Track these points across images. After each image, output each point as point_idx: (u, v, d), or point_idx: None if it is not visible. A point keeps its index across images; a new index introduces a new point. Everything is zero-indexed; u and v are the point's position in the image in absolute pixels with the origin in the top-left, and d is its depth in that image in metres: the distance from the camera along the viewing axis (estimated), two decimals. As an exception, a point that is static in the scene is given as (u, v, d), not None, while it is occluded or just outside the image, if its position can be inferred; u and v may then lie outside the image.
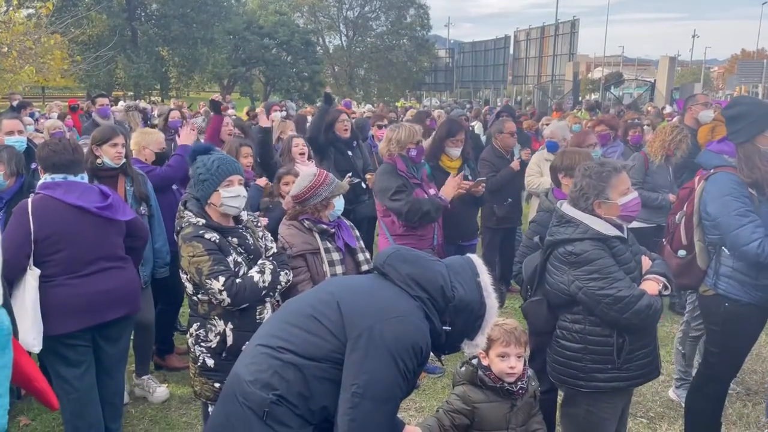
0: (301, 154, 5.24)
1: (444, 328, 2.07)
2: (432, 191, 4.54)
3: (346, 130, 5.95)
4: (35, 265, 3.21)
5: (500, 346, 2.73)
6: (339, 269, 3.31)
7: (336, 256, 3.32)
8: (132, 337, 4.28)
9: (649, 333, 2.95)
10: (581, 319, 2.89)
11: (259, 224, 3.21)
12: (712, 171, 3.36)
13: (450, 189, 4.52)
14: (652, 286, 2.86)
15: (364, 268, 3.42)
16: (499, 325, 2.73)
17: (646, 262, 3.00)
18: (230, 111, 13.48)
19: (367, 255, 3.51)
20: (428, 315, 2.04)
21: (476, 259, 2.21)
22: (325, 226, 3.32)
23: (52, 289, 3.25)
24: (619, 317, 2.77)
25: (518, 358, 2.75)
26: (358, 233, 3.58)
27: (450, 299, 2.06)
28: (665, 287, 2.88)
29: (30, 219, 3.18)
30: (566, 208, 2.96)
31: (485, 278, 2.13)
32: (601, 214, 2.86)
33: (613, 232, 2.85)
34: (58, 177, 3.33)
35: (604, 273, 2.77)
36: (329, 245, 3.32)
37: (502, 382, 2.75)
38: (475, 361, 2.85)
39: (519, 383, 2.77)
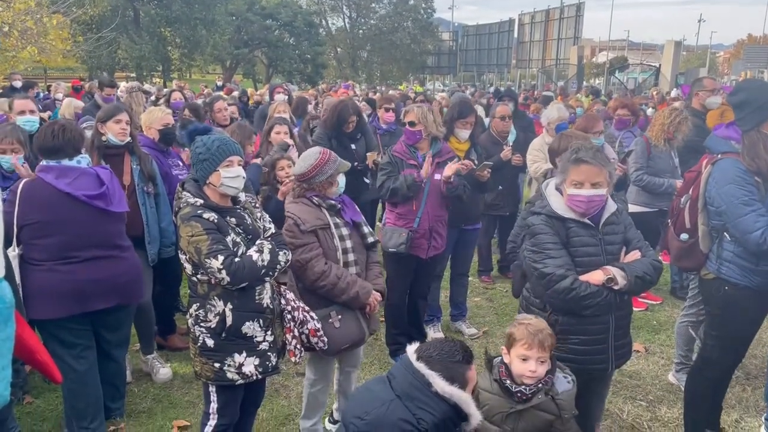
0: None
1: None
2: (437, 176, 4.50)
3: (351, 127, 5.90)
4: (23, 248, 3.22)
5: (522, 347, 2.61)
6: (348, 243, 3.41)
7: (345, 230, 3.42)
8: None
9: (594, 322, 2.92)
10: (529, 287, 3.09)
11: (257, 205, 3.21)
12: (718, 156, 3.33)
13: (425, 169, 4.44)
14: (595, 275, 2.85)
15: (369, 240, 3.55)
16: (524, 324, 2.63)
17: (632, 257, 2.96)
18: (234, 94, 13.42)
19: (370, 228, 3.62)
20: None
21: (416, 361, 2.22)
22: (333, 202, 3.40)
23: (41, 273, 3.25)
24: (544, 293, 2.92)
25: (540, 363, 2.60)
26: (357, 208, 3.67)
27: (425, 430, 2.11)
28: (613, 281, 2.83)
29: (17, 202, 3.19)
30: (548, 184, 3.09)
31: (438, 382, 2.16)
32: (564, 195, 2.99)
33: (568, 214, 2.92)
34: (52, 161, 3.32)
35: (541, 248, 2.90)
36: (338, 220, 3.40)
37: (506, 378, 2.65)
38: (497, 359, 2.74)
39: (522, 386, 2.63)
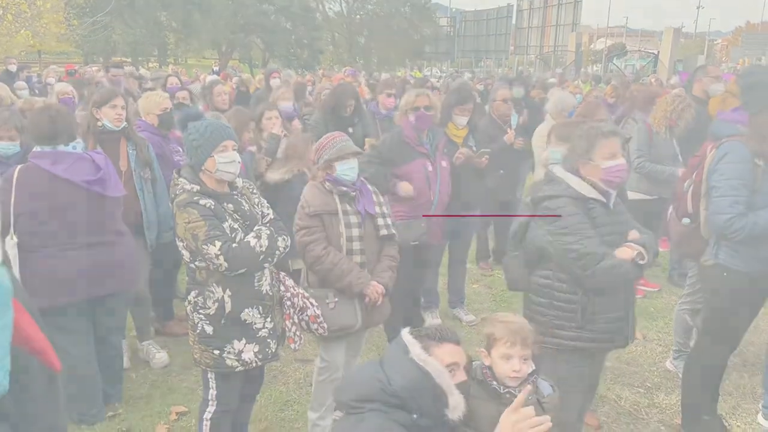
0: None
1: (413, 416, 2.14)
2: (444, 163, 4.48)
3: (349, 110, 5.83)
4: (20, 235, 3.18)
5: (503, 346, 2.46)
6: (355, 231, 3.35)
7: (354, 219, 3.36)
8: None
9: (618, 299, 2.98)
10: (550, 275, 3.01)
11: (254, 191, 3.18)
12: (723, 140, 3.32)
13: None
14: (625, 251, 2.91)
15: (383, 233, 3.45)
16: (503, 323, 2.51)
17: (633, 235, 3.00)
18: (234, 80, 13.28)
19: (388, 221, 3.51)
20: (391, 419, 2.11)
21: (406, 334, 2.28)
22: (345, 189, 3.34)
23: (39, 261, 3.22)
24: (583, 274, 2.86)
25: (523, 360, 2.47)
26: (381, 199, 3.57)
27: (394, 392, 2.13)
28: (641, 256, 2.89)
29: (12, 191, 3.15)
30: (556, 168, 3.08)
31: (415, 350, 2.18)
32: (584, 174, 2.95)
33: (592, 194, 2.94)
34: (47, 147, 3.28)
35: (574, 229, 2.87)
36: (348, 208, 3.35)
37: (492, 380, 2.49)
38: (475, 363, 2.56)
39: (510, 388, 2.46)
